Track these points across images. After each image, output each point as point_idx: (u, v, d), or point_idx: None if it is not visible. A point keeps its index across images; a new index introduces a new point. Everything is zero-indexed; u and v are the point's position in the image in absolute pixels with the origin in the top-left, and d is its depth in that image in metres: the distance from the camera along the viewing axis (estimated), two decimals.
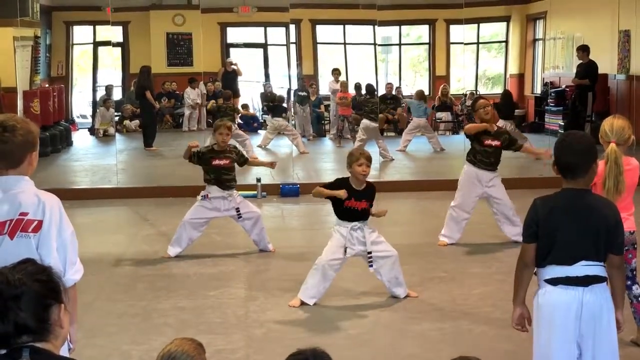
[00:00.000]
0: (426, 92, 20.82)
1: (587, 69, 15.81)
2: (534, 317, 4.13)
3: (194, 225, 8.62)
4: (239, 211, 8.58)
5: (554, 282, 3.99)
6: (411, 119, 17.29)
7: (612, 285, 4.13)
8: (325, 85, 20.59)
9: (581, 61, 16.04)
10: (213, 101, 17.60)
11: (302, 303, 6.89)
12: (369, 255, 6.84)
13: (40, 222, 3.59)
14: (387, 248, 6.98)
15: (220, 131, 8.60)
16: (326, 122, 20.09)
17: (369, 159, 6.80)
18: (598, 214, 4.01)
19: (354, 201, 6.78)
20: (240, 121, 18.65)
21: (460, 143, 9.16)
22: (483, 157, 8.79)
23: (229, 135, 8.73)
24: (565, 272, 3.97)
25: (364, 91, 18.35)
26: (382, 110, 17.18)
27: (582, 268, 3.96)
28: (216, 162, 8.52)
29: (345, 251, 6.82)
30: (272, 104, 17.51)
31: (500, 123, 14.11)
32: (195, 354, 3.24)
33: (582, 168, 4.03)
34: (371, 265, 6.89)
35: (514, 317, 4.24)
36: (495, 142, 8.78)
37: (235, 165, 8.71)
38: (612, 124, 5.29)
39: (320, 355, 2.82)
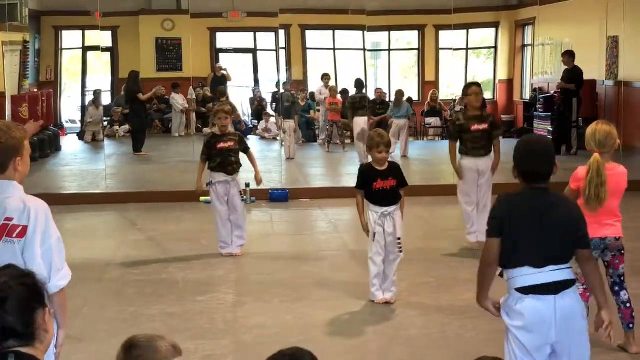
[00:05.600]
0: (415, 98, 20.88)
1: (573, 75, 15.88)
2: (507, 323, 4.09)
3: (223, 220, 8.79)
4: (241, 193, 8.88)
5: (525, 291, 3.95)
6: (391, 122, 17.08)
7: (590, 283, 4.13)
8: (314, 90, 20.57)
9: (567, 67, 16.11)
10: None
11: (387, 302, 7.01)
12: (398, 241, 6.91)
13: (25, 228, 3.58)
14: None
15: (219, 116, 8.74)
16: (316, 127, 20.08)
17: (387, 145, 6.94)
18: (561, 209, 4.02)
19: (381, 181, 6.88)
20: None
21: None
22: (473, 143, 8.85)
23: (227, 119, 8.84)
24: (536, 280, 3.93)
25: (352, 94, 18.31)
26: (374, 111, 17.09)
27: (551, 274, 3.93)
28: (221, 145, 8.68)
29: (375, 236, 6.89)
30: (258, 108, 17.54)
31: None
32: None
33: (551, 173, 4.06)
34: (400, 251, 6.94)
35: (491, 311, 4.16)
36: (483, 126, 8.86)
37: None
38: (596, 131, 5.33)
39: (301, 356, 2.66)
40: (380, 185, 6.88)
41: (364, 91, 16.52)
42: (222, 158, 8.68)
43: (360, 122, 15.26)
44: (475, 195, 8.97)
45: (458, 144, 8.98)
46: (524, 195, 4.07)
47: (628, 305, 5.70)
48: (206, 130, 18.33)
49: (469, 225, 9.06)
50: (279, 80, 19.72)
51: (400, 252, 6.97)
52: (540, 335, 3.95)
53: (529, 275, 3.94)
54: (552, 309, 3.91)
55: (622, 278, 5.69)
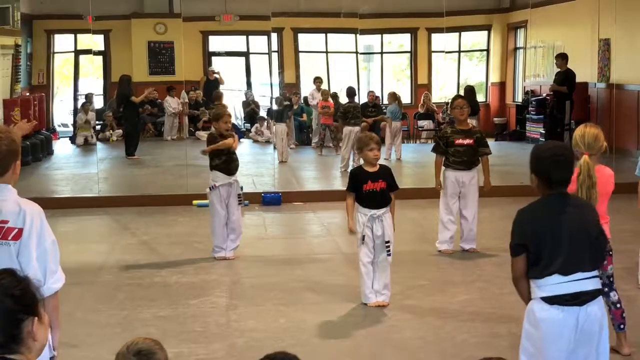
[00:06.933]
0: (408, 100, 20.89)
1: (565, 77, 15.92)
2: (526, 329, 4.09)
3: (221, 224, 8.78)
4: (240, 197, 8.87)
5: (550, 300, 3.97)
6: (384, 125, 17.04)
7: None
8: (307, 94, 20.57)
9: (559, 69, 16.16)
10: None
11: (380, 305, 7.01)
12: (387, 244, 6.92)
13: (21, 230, 3.59)
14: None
15: (225, 119, 8.82)
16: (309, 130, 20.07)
17: (378, 143, 7.02)
18: (586, 213, 4.07)
19: (371, 183, 6.91)
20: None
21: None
22: (456, 157, 8.85)
23: (230, 123, 8.97)
24: (563, 289, 3.94)
25: (343, 100, 18.28)
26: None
27: (578, 283, 3.95)
28: None
29: (363, 239, 6.90)
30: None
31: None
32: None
33: (571, 178, 4.12)
34: (389, 254, 6.95)
35: None
36: (467, 141, 8.84)
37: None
38: (584, 133, 5.35)
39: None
40: (370, 187, 6.89)
41: (356, 99, 16.43)
42: (228, 157, 8.72)
43: (350, 132, 15.13)
44: (456, 206, 8.97)
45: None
46: (547, 202, 4.09)
47: (618, 305, 5.72)
48: (200, 133, 18.40)
49: (441, 235, 9.05)
50: (272, 84, 19.73)
51: (389, 255, 6.98)
52: (562, 346, 3.95)
53: (556, 285, 3.95)
54: (574, 321, 3.94)
55: (611, 279, 5.72)
